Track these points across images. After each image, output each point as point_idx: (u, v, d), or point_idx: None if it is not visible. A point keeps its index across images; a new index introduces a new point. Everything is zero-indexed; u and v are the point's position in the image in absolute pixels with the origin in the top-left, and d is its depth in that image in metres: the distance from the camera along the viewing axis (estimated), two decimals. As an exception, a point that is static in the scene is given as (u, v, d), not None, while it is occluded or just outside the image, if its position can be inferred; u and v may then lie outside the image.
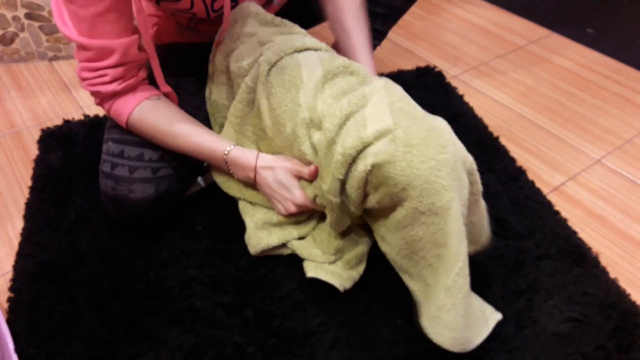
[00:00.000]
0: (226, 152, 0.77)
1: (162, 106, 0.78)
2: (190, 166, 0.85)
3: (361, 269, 0.77)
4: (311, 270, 0.76)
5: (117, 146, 0.79)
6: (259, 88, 0.75)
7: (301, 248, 0.79)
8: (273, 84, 0.72)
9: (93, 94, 0.76)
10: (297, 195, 0.75)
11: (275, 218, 0.80)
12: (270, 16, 0.82)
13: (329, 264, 0.76)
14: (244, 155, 0.77)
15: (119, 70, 0.73)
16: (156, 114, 0.77)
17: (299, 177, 0.75)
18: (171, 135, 0.77)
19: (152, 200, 0.79)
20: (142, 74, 0.78)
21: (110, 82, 0.73)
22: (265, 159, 0.77)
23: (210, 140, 0.77)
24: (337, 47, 0.86)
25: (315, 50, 0.75)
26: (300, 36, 0.77)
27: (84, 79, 0.73)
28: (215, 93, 0.87)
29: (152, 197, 0.79)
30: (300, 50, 0.74)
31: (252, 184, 0.80)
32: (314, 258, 0.78)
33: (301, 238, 0.81)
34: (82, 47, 0.70)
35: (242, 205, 0.84)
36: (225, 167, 0.79)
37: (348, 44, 0.83)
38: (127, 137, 0.80)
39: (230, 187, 0.84)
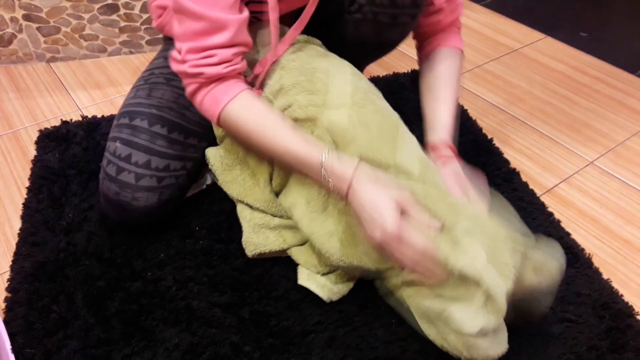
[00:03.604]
0: (324, 157, 0.66)
1: (259, 102, 0.71)
2: (193, 175, 0.85)
3: (352, 284, 0.78)
4: (303, 279, 0.77)
5: (125, 149, 0.78)
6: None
7: (298, 255, 0.80)
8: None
9: (193, 76, 0.69)
10: (388, 219, 0.60)
11: (272, 222, 0.80)
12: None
13: (322, 275, 0.77)
14: (342, 161, 0.66)
15: (228, 53, 0.68)
16: (253, 109, 0.71)
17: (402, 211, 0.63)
18: (265, 134, 0.70)
19: (154, 209, 0.79)
20: (244, 64, 0.72)
21: (217, 64, 0.68)
22: (367, 170, 0.65)
23: (306, 144, 0.67)
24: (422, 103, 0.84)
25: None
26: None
27: (185, 61, 0.68)
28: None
29: (154, 206, 0.79)
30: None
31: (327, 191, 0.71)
32: (308, 266, 0.78)
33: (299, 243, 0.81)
34: (193, 18, 0.65)
35: (240, 208, 0.83)
36: (319, 174, 0.67)
37: (433, 105, 0.81)
38: (136, 140, 0.78)
39: (231, 188, 0.82)
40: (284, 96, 0.73)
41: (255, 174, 0.81)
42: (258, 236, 0.80)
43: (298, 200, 0.76)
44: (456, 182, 0.72)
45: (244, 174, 0.81)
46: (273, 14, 0.72)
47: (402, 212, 0.62)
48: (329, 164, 0.65)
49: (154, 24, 0.90)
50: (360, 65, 0.79)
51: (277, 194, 0.81)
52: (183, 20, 0.67)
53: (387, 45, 0.88)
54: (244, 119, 0.70)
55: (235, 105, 0.70)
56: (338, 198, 0.71)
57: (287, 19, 0.82)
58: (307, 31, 0.79)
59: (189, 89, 0.72)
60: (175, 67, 0.71)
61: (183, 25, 0.67)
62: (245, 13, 0.68)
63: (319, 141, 0.70)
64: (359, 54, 0.89)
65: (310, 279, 0.77)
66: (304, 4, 0.75)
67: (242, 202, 0.83)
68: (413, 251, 0.61)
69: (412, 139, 0.74)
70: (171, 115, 0.82)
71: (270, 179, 0.80)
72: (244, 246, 0.81)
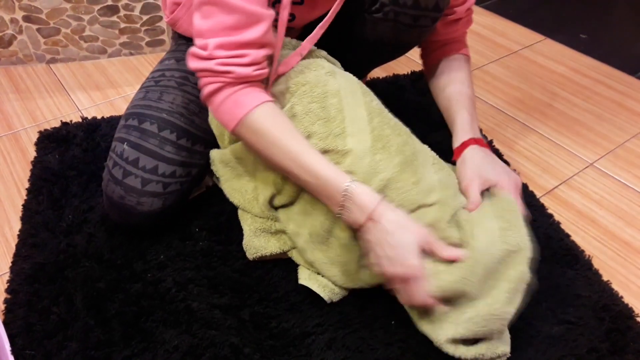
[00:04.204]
0: (348, 184, 0.64)
1: (282, 115, 0.68)
2: (196, 181, 0.85)
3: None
4: (304, 279, 0.77)
5: (133, 152, 0.78)
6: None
7: (299, 256, 0.79)
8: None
9: (218, 74, 0.65)
10: (409, 262, 0.62)
11: (273, 227, 0.80)
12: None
13: (323, 276, 0.77)
14: (366, 192, 0.64)
15: (259, 54, 0.65)
16: (279, 120, 0.67)
17: (425, 251, 0.65)
18: (288, 148, 0.66)
19: (158, 214, 0.79)
20: (268, 70, 0.69)
21: (248, 65, 0.65)
22: (389, 206, 0.65)
23: (331, 166, 0.66)
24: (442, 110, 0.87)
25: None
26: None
27: (213, 57, 0.64)
28: None
29: (158, 211, 0.79)
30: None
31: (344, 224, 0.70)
32: (309, 266, 0.78)
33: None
34: (227, 10, 0.62)
35: (241, 212, 0.83)
36: (339, 200, 0.65)
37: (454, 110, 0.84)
38: (145, 144, 0.78)
39: (233, 196, 0.81)
40: (298, 125, 0.70)
41: (256, 189, 0.80)
42: (259, 239, 0.80)
43: (301, 231, 0.76)
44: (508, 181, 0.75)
45: (247, 186, 0.80)
46: (281, 27, 0.70)
47: (423, 252, 0.64)
48: (352, 191, 0.64)
49: (166, 18, 0.89)
50: (368, 68, 0.79)
51: (277, 207, 0.81)
52: (212, 13, 0.63)
53: (402, 48, 0.88)
54: (268, 128, 0.66)
55: (262, 112, 0.66)
56: (345, 226, 0.70)
57: (302, 29, 0.81)
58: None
59: (209, 89, 0.67)
60: (196, 64, 0.66)
61: (212, 18, 0.63)
62: (272, 12, 0.65)
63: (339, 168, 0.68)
64: (372, 56, 0.89)
65: (312, 279, 0.77)
66: (325, 12, 0.74)
67: (242, 208, 0.82)
68: (420, 296, 0.64)
69: (427, 152, 0.76)
70: (181, 121, 0.81)
71: (271, 199, 0.78)
72: (244, 249, 0.81)
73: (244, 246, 0.81)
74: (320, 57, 0.78)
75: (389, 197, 0.68)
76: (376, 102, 0.74)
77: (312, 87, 0.71)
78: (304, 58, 0.75)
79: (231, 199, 0.82)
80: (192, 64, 0.67)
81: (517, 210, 0.71)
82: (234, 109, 0.67)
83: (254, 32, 0.64)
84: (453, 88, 0.86)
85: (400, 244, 0.63)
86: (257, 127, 0.67)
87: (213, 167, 0.83)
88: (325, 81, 0.71)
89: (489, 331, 0.66)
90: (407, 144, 0.72)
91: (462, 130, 0.81)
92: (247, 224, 0.81)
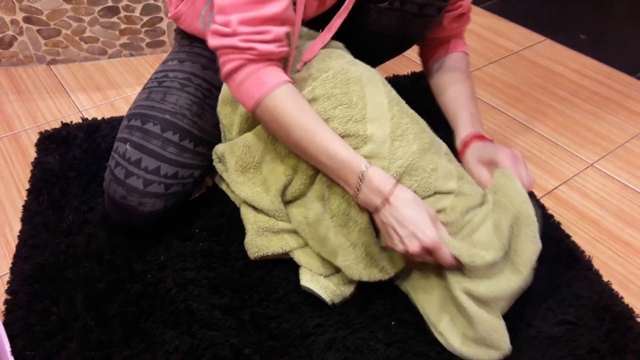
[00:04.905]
0: (365, 167, 0.66)
1: (301, 97, 0.69)
2: (198, 182, 0.85)
3: (354, 286, 0.78)
4: (306, 280, 0.77)
5: (135, 152, 0.78)
6: None
7: (300, 256, 0.79)
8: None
9: (242, 51, 0.66)
10: (428, 234, 0.65)
11: (276, 226, 0.80)
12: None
13: (324, 277, 0.77)
14: (382, 176, 0.67)
15: (281, 31, 0.66)
16: (299, 101, 0.68)
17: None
18: (308, 128, 0.67)
19: (159, 214, 0.80)
20: (288, 50, 0.70)
21: (270, 42, 0.66)
22: (405, 190, 0.67)
23: (348, 149, 0.68)
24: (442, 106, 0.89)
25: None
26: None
27: (236, 34, 0.65)
28: None
29: (159, 212, 0.79)
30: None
31: (361, 209, 0.71)
32: (311, 267, 0.78)
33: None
34: None
35: (244, 210, 0.83)
36: (355, 183, 0.67)
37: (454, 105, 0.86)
38: (148, 145, 0.78)
39: (240, 189, 0.81)
40: (319, 108, 0.71)
41: (266, 181, 0.80)
42: (261, 239, 0.80)
43: (323, 216, 0.76)
44: (511, 160, 0.74)
45: (255, 178, 0.81)
46: (298, 17, 0.71)
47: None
48: (370, 174, 0.66)
49: (170, 14, 0.89)
50: (374, 65, 0.80)
51: (289, 201, 0.81)
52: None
53: (405, 40, 0.89)
54: (289, 108, 0.67)
55: (283, 92, 0.67)
56: (360, 209, 0.72)
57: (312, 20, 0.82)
58: (325, 25, 0.79)
59: (230, 66, 0.67)
60: (218, 41, 0.66)
61: (227, 1, 0.64)
62: None
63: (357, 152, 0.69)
64: (374, 50, 0.89)
65: (313, 281, 0.77)
66: (333, 4, 0.75)
67: (247, 204, 0.82)
68: (442, 262, 0.67)
69: (441, 143, 0.77)
70: (184, 122, 0.81)
71: (283, 190, 0.79)
72: (246, 248, 0.81)
73: (246, 245, 0.81)
74: (338, 47, 0.80)
75: (407, 183, 0.69)
76: (394, 92, 0.76)
77: (334, 74, 0.72)
78: (323, 47, 0.76)
79: (237, 192, 0.81)
80: (214, 41, 0.67)
81: (513, 181, 0.72)
82: (256, 87, 0.67)
83: (276, 6, 0.65)
84: (455, 88, 0.87)
85: (416, 219, 0.65)
86: (277, 106, 0.67)
87: (218, 163, 0.83)
88: (348, 69, 0.73)
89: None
90: (425, 132, 0.74)
91: (463, 129, 0.82)
92: (250, 222, 0.81)
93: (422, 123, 0.75)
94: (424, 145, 0.72)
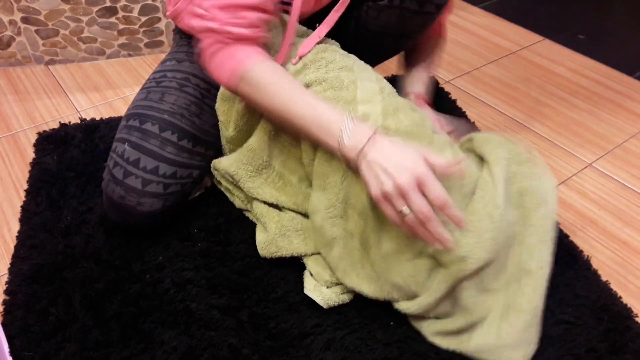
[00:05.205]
0: (345, 116, 0.66)
1: (282, 69, 0.72)
2: (197, 182, 0.85)
3: (352, 294, 0.78)
4: (309, 290, 0.77)
5: (133, 152, 0.78)
6: None
7: (312, 265, 0.79)
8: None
9: (218, 33, 0.69)
10: (421, 164, 0.61)
11: (300, 224, 0.79)
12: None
13: (327, 287, 0.77)
14: (363, 122, 0.67)
15: (257, 16, 0.69)
16: (278, 71, 0.70)
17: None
18: (290, 95, 0.68)
19: (158, 214, 0.80)
20: (268, 36, 0.73)
21: (245, 27, 0.69)
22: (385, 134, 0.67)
23: (327, 104, 0.68)
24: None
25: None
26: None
27: (213, 18, 0.68)
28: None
29: (158, 211, 0.79)
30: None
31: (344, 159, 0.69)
32: (318, 278, 0.78)
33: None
34: None
35: (264, 209, 0.82)
36: (337, 133, 0.65)
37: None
38: (146, 145, 0.78)
39: (262, 193, 0.81)
40: (311, 92, 0.73)
41: (283, 174, 0.81)
42: (283, 239, 0.79)
43: (319, 206, 0.75)
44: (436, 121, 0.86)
45: (271, 176, 0.81)
46: (295, 13, 0.73)
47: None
48: (351, 121, 0.65)
49: (169, 12, 0.89)
50: (373, 65, 0.81)
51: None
52: None
53: (403, 39, 0.89)
54: (269, 80, 0.69)
55: (262, 66, 0.69)
56: (359, 192, 0.70)
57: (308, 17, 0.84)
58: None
59: (210, 50, 0.71)
60: (195, 22, 0.69)
61: None
62: None
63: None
64: (372, 49, 0.90)
65: (316, 291, 0.77)
66: (329, 1, 0.77)
67: (270, 204, 0.82)
68: (435, 196, 0.60)
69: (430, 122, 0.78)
70: (182, 122, 0.81)
71: (306, 176, 0.80)
72: (261, 246, 0.80)
73: (264, 244, 0.80)
74: (334, 44, 0.81)
75: None
76: (387, 82, 0.77)
77: (327, 62, 0.74)
78: (319, 42, 0.78)
79: (262, 197, 0.81)
80: (191, 21, 0.71)
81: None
82: (234, 65, 0.70)
83: None
84: (421, 54, 0.96)
85: (404, 148, 0.63)
86: (258, 79, 0.69)
87: (220, 176, 0.84)
88: (340, 59, 0.75)
89: None
90: (416, 111, 0.75)
91: (417, 87, 0.93)
92: (274, 221, 0.80)
93: (413, 105, 0.76)
94: (416, 122, 0.72)
